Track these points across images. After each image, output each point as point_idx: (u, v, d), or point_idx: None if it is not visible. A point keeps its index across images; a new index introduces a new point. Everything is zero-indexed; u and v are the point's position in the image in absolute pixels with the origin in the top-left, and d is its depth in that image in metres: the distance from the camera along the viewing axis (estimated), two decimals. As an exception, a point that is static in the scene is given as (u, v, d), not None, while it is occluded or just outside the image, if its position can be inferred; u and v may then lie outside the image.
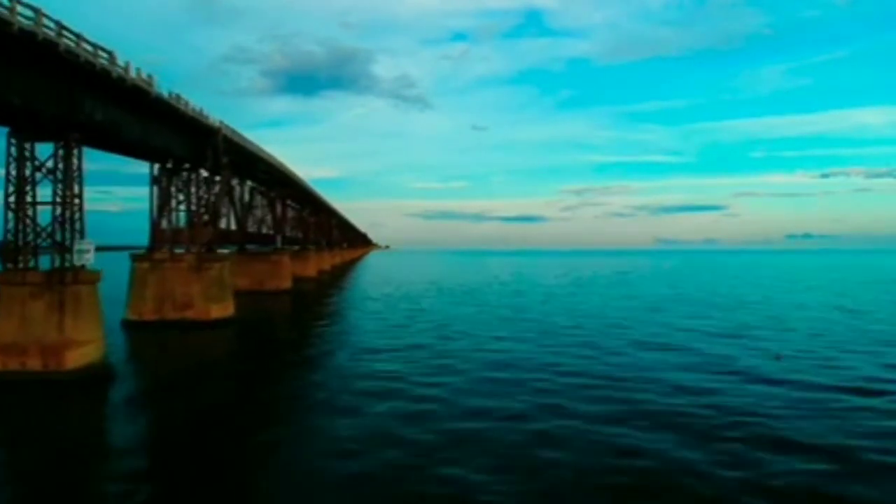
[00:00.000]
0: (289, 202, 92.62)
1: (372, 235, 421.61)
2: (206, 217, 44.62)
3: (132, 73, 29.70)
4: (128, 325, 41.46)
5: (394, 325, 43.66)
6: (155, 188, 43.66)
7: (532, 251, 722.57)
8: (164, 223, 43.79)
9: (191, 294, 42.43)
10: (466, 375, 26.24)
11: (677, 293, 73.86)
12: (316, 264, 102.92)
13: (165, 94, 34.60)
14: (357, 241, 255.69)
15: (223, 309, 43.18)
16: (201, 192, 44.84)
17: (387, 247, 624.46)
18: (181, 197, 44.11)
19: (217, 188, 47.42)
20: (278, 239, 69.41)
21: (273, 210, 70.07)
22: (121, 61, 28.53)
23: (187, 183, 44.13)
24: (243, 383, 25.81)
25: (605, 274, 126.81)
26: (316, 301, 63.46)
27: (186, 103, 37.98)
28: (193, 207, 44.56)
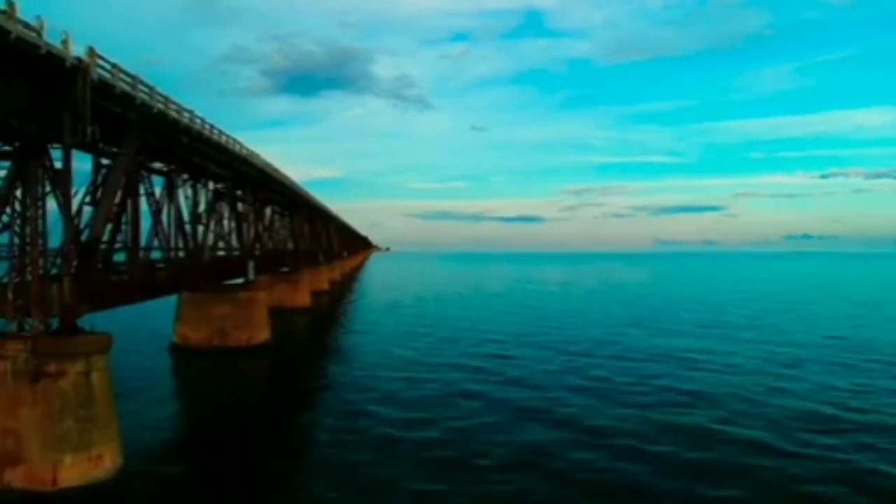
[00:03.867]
0: (275, 208, 68.29)
1: (371, 236, 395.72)
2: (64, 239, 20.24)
3: None
4: None
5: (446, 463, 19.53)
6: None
7: (531, 254, 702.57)
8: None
9: (19, 433, 18.29)
10: None
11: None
12: (310, 285, 78.68)
13: None
14: (357, 246, 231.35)
15: (89, 464, 18.85)
16: (59, 198, 20.48)
17: (387, 249, 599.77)
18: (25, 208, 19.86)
19: (102, 189, 23.22)
20: (250, 267, 44.80)
21: (241, 222, 45.47)
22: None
23: (18, 179, 19.84)
24: None
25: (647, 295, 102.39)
26: (306, 370, 39.22)
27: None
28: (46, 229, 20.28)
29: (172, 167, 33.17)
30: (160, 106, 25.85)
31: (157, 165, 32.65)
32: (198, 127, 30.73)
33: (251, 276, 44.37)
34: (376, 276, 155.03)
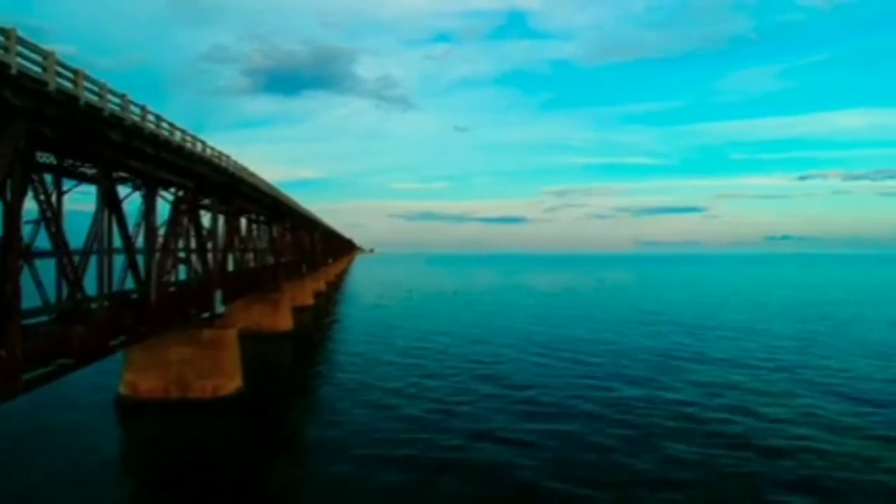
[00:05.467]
0: (252, 216, 58.80)
1: (355, 237, 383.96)
2: None
3: None
4: None
5: None
6: None
7: (514, 255, 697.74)
8: None
9: None
10: None
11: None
12: (293, 300, 69.50)
13: None
14: (342, 250, 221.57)
15: None
16: None
17: (371, 250, 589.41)
18: None
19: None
20: (216, 297, 35.40)
21: (204, 241, 36.07)
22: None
23: None
24: None
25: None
26: (284, 433, 30.13)
27: None
28: None
29: (102, 174, 23.97)
30: (64, 84, 16.71)
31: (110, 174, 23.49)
32: (134, 119, 21.54)
33: (219, 308, 35.08)
34: (361, 287, 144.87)
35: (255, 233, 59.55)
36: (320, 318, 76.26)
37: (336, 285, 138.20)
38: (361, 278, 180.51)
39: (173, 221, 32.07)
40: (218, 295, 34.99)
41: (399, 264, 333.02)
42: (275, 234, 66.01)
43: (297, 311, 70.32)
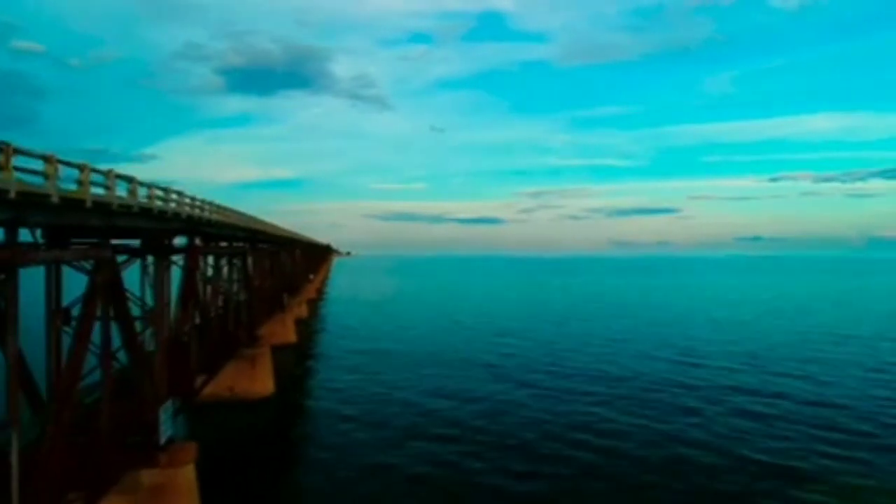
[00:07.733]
0: (222, 251, 45.34)
1: (331, 239, 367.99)
2: None
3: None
4: None
5: None
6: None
7: (489, 257, 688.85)
8: None
9: None
10: None
11: None
12: (273, 337, 56.58)
13: None
14: (321, 259, 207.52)
15: None
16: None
17: (348, 253, 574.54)
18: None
19: None
20: (162, 416, 22.34)
21: (131, 330, 22.84)
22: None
23: None
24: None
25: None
26: None
27: None
28: None
29: None
30: None
31: None
32: None
33: (166, 432, 22.01)
34: (344, 309, 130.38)
35: (223, 272, 46.23)
36: (303, 362, 63.22)
37: (317, 305, 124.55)
38: (341, 294, 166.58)
39: (87, 305, 19.05)
40: (166, 411, 21.97)
41: (377, 273, 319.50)
42: (250, 268, 52.72)
43: (278, 350, 57.10)
